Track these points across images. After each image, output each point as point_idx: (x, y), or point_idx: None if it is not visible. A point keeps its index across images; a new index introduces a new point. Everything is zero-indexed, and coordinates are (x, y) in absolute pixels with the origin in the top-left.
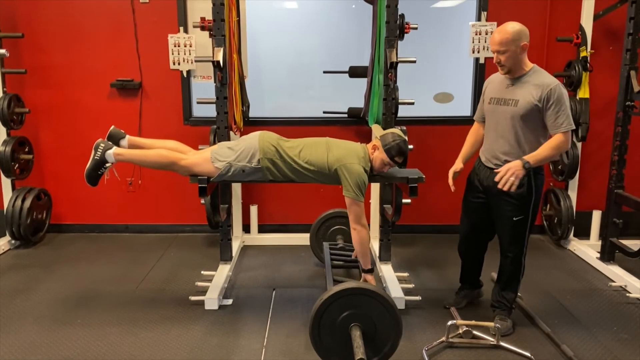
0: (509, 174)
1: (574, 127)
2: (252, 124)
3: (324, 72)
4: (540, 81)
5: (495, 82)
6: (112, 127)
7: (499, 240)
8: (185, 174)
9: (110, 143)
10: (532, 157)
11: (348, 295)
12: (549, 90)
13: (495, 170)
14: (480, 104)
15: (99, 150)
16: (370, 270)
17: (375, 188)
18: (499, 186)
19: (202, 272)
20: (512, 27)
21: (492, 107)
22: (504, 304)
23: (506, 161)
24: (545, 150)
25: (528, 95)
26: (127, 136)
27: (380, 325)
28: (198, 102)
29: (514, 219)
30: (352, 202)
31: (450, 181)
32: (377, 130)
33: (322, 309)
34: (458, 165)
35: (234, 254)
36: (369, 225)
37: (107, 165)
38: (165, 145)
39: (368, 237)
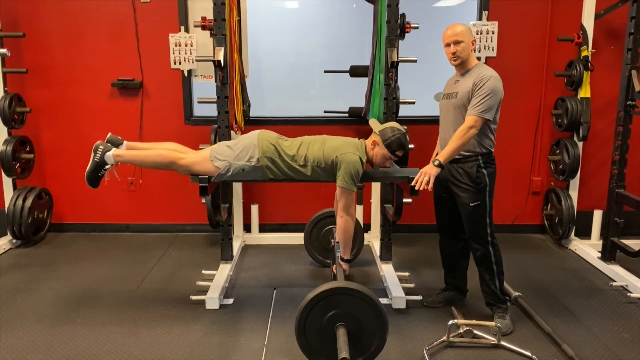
0: (421, 176)
1: (489, 118)
2: (253, 124)
3: (325, 71)
4: (479, 73)
5: (449, 80)
6: (109, 134)
7: (465, 231)
8: (186, 174)
9: (110, 145)
10: (442, 155)
11: (329, 297)
12: (481, 79)
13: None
14: None
15: (98, 152)
16: (349, 260)
17: (376, 187)
18: (416, 187)
19: (202, 271)
20: (462, 24)
21: (443, 102)
22: (491, 297)
23: None
24: (452, 143)
25: (466, 87)
26: (125, 142)
27: (366, 322)
28: (199, 102)
29: (471, 204)
30: (343, 191)
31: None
32: (375, 125)
33: (304, 314)
34: None
35: (234, 254)
36: (370, 225)
37: (107, 167)
38: (164, 146)
39: (353, 227)
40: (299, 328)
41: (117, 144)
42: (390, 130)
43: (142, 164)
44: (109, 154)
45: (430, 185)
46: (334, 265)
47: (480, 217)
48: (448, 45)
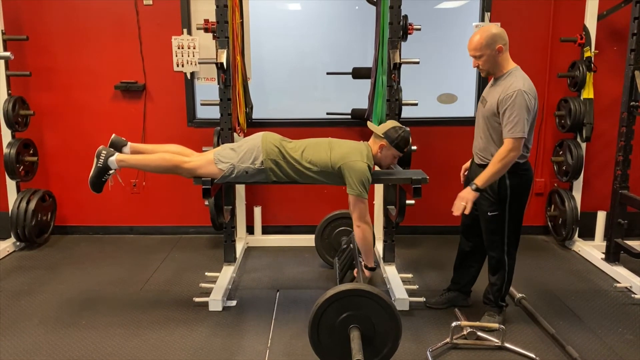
0: (457, 201)
1: (524, 136)
2: (255, 126)
3: (328, 73)
4: (507, 84)
5: (489, 83)
6: (114, 135)
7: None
8: (189, 177)
9: (112, 150)
10: (479, 178)
11: (345, 298)
12: (507, 95)
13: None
14: None
15: (101, 157)
16: (373, 269)
17: (379, 189)
18: (453, 213)
19: (206, 273)
20: (486, 31)
21: (478, 106)
22: (490, 300)
23: (483, 157)
24: (491, 167)
25: (494, 97)
26: (129, 143)
27: (379, 326)
28: (202, 104)
29: (489, 213)
30: (356, 199)
31: (462, 177)
32: (374, 127)
33: (319, 313)
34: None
35: (237, 256)
36: (373, 226)
37: (111, 172)
38: (168, 149)
39: (372, 235)
40: (313, 323)
41: (121, 145)
42: (394, 130)
43: (146, 168)
44: (112, 158)
45: (468, 210)
46: (355, 270)
47: (497, 227)
48: (471, 57)
